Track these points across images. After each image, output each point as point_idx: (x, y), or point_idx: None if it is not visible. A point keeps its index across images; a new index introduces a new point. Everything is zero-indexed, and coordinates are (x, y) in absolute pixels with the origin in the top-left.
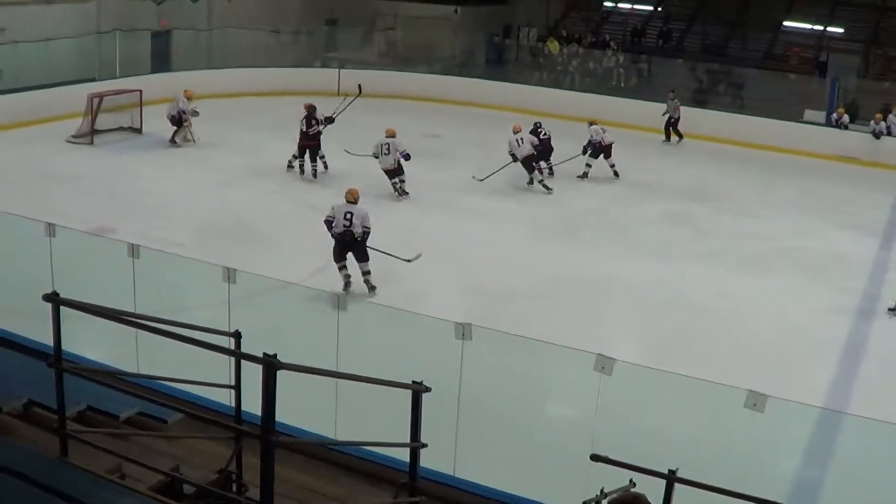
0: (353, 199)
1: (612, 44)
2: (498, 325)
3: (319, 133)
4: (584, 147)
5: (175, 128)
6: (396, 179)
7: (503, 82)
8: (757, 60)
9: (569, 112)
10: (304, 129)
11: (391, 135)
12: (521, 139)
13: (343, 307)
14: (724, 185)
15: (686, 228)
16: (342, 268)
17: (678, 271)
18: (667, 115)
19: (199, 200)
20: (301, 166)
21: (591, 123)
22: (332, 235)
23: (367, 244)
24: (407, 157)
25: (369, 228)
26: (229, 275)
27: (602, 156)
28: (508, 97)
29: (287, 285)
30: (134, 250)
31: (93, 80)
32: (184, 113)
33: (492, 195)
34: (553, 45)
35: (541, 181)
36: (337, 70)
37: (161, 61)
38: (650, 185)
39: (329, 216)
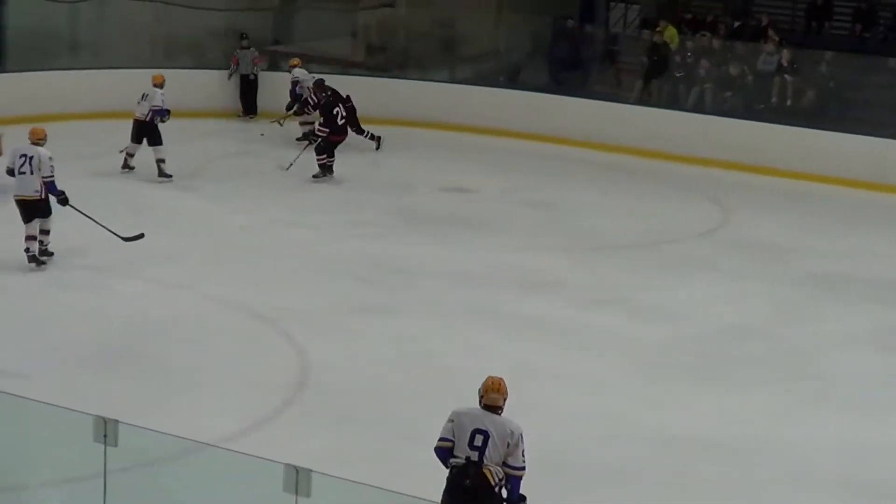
0: (500, 402)
1: (772, 31)
2: None
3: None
4: None
5: None
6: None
7: (580, 98)
8: None
9: (693, 151)
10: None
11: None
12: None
13: (305, 490)
14: None
15: None
16: None
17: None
18: None
19: (44, 301)
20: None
21: None
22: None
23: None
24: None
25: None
26: (107, 429)
27: None
28: (588, 124)
29: (204, 448)
30: None
31: None
32: None
33: (564, 293)
34: (669, 34)
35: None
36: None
37: None
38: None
39: (444, 442)
